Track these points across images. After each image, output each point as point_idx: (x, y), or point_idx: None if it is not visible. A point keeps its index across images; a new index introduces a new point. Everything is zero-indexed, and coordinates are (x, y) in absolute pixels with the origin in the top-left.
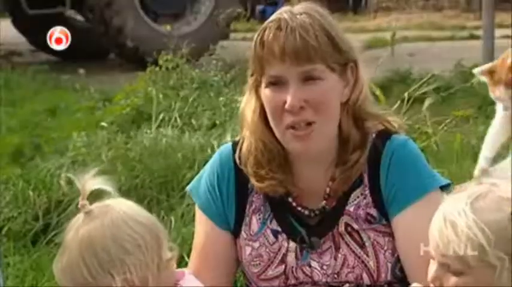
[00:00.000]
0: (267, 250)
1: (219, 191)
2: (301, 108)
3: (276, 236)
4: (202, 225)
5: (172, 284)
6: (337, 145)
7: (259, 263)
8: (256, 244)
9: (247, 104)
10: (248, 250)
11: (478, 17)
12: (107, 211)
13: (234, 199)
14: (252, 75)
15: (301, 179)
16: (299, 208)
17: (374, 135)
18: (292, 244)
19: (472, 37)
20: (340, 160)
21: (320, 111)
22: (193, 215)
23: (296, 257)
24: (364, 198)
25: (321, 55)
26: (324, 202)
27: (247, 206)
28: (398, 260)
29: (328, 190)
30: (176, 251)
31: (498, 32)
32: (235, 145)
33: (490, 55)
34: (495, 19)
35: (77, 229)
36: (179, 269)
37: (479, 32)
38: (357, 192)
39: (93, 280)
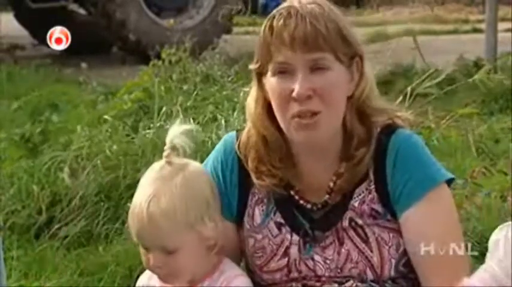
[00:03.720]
0: (270, 242)
1: (223, 179)
2: (308, 97)
3: (279, 229)
4: None
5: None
6: (341, 139)
7: (262, 256)
8: (259, 236)
9: (251, 94)
10: (251, 241)
11: (481, 10)
12: (188, 163)
13: (237, 189)
14: (257, 62)
15: (304, 173)
16: (301, 201)
17: (378, 129)
18: (296, 237)
19: (475, 31)
20: (344, 155)
21: (326, 101)
22: None
23: (299, 250)
24: (369, 193)
25: (330, 44)
26: (327, 196)
27: (250, 197)
28: (402, 256)
29: (332, 184)
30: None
31: (501, 26)
32: (239, 134)
33: (492, 49)
34: (498, 13)
35: (171, 174)
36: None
37: (482, 26)
38: (362, 187)
39: (191, 224)
